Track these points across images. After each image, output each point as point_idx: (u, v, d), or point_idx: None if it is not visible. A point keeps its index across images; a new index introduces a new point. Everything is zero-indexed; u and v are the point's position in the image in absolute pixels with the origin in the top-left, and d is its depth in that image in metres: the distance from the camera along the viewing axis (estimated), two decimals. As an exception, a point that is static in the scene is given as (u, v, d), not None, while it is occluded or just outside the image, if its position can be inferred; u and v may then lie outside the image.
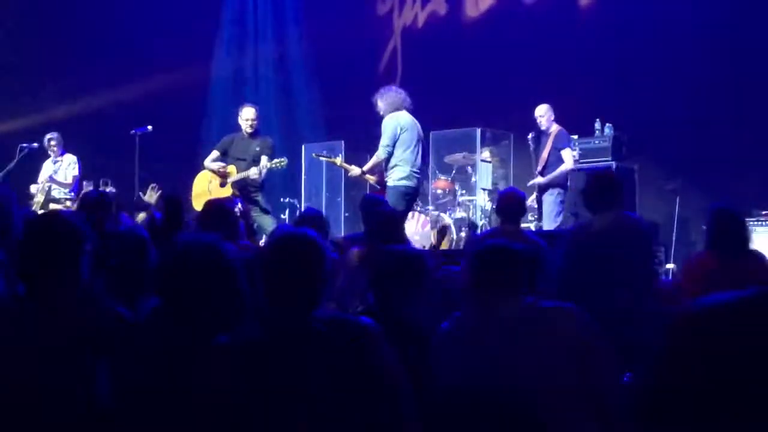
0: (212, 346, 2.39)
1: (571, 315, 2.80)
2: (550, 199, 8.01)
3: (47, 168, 9.11)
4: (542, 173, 8.18)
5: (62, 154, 9.13)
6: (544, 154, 8.19)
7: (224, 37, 12.15)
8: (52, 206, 8.65)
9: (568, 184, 8.10)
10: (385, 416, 2.37)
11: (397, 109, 7.17)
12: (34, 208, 8.48)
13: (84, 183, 8.74)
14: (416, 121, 7.25)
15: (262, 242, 5.90)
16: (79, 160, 9.17)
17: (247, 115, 7.87)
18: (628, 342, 3.28)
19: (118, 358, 2.51)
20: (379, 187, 7.35)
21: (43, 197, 8.80)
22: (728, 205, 4.56)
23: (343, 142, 9.94)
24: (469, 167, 9.47)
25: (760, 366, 1.40)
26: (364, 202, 5.72)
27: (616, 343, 2.87)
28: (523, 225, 6.12)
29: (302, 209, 7.76)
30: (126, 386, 2.47)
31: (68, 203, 8.71)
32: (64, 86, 11.13)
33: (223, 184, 7.85)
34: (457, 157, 9.43)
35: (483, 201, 9.15)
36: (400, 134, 7.06)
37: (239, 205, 5.15)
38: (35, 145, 8.99)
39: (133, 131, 8.58)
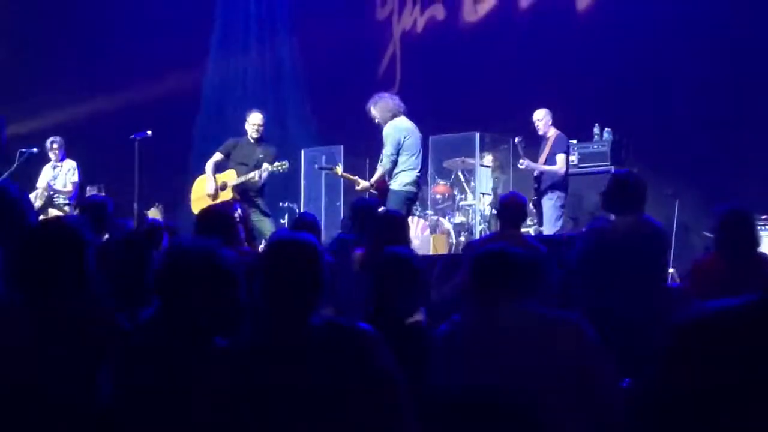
0: (211, 351, 2.38)
1: (573, 326, 2.78)
2: (550, 203, 8.01)
3: (46, 173, 9.11)
4: (539, 178, 8.18)
5: (62, 159, 9.13)
6: (542, 157, 8.20)
7: (223, 42, 12.16)
8: (52, 212, 8.66)
9: (568, 188, 8.10)
10: (384, 422, 2.37)
11: (395, 115, 7.16)
12: (33, 213, 8.47)
13: (88, 188, 8.76)
14: (415, 125, 7.26)
15: (261, 247, 5.89)
16: (78, 165, 9.17)
17: (254, 120, 7.89)
18: (639, 345, 3.26)
19: (118, 364, 2.50)
20: (376, 192, 7.34)
21: (41, 203, 8.79)
22: (738, 205, 4.45)
23: (342, 147, 9.95)
24: (466, 171, 9.48)
25: (762, 371, 1.40)
26: (361, 206, 5.70)
27: (628, 346, 2.86)
28: (522, 230, 6.12)
29: (302, 213, 7.74)
30: (125, 391, 2.46)
31: (67, 209, 8.72)
32: (64, 91, 11.13)
33: (223, 188, 7.86)
34: (456, 162, 9.44)
35: (482, 205, 9.15)
36: (404, 141, 7.06)
37: (239, 210, 5.14)
38: (35, 150, 8.99)
39: (133, 136, 8.58)
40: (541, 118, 8.19)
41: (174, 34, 11.46)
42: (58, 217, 3.10)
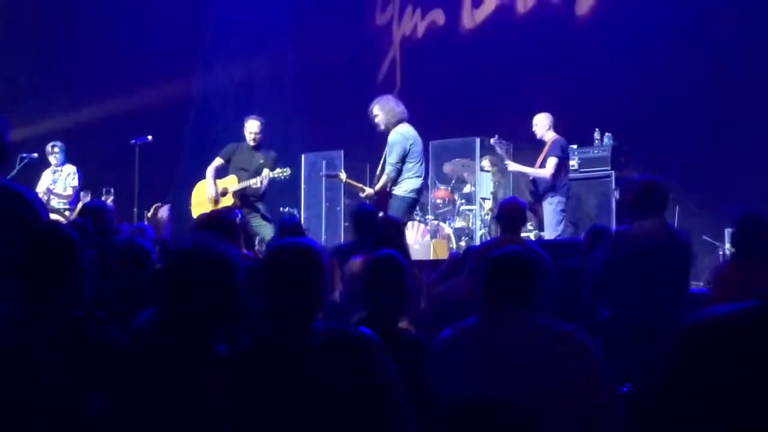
0: (213, 354, 2.38)
1: (575, 339, 2.77)
2: (550, 208, 7.99)
3: (46, 177, 9.11)
4: (535, 182, 8.17)
5: (62, 164, 9.13)
6: (539, 161, 8.20)
7: (225, 47, 12.16)
8: (52, 216, 8.64)
9: (569, 192, 8.09)
10: (384, 427, 2.36)
11: (399, 121, 7.18)
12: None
13: (82, 194, 8.74)
14: (416, 132, 7.28)
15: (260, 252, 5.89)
16: (78, 170, 9.17)
17: (251, 128, 7.88)
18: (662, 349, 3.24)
19: (114, 375, 2.48)
20: (376, 197, 7.33)
21: (41, 207, 8.78)
22: (756, 209, 4.45)
23: (342, 152, 9.95)
24: (466, 174, 9.49)
25: (763, 375, 1.40)
26: (362, 212, 5.71)
27: (651, 349, 2.84)
28: (522, 234, 6.11)
29: (284, 218, 7.64)
30: (123, 398, 2.45)
31: (67, 213, 8.71)
32: (64, 96, 11.14)
33: (224, 193, 7.85)
34: (457, 165, 9.44)
35: (482, 210, 9.15)
36: (410, 149, 7.10)
37: (239, 217, 5.15)
38: (35, 155, 9.00)
39: (133, 141, 8.59)
40: (538, 122, 8.18)
41: (175, 39, 11.47)
42: (50, 222, 3.07)
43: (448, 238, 9.06)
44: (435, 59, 10.97)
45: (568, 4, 10.07)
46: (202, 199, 7.96)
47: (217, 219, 4.56)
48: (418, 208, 8.24)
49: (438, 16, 11.23)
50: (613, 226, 7.43)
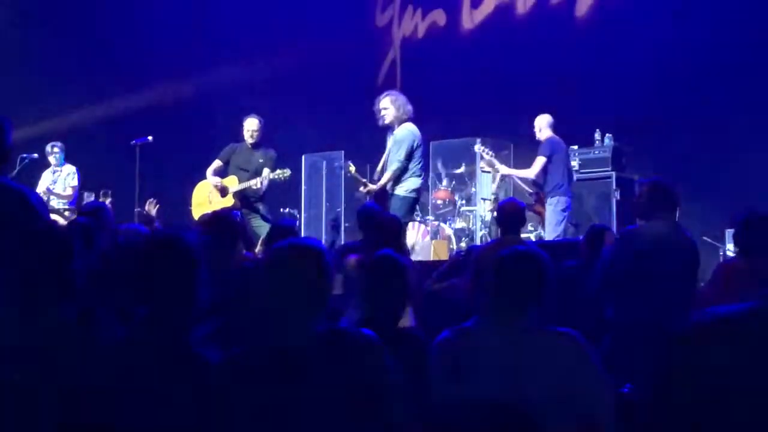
0: (212, 362, 2.37)
1: (574, 342, 2.77)
2: (551, 208, 7.98)
3: (46, 178, 9.11)
4: (536, 181, 8.16)
5: (62, 164, 9.13)
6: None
7: (225, 48, 12.16)
8: (51, 216, 8.64)
9: (570, 193, 8.07)
10: (386, 428, 2.36)
11: (408, 119, 7.20)
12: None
13: (85, 194, 8.75)
14: None
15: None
16: (78, 170, 9.17)
17: (249, 126, 7.90)
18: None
19: (98, 382, 2.45)
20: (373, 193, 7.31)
21: (41, 208, 8.78)
22: (757, 209, 4.46)
23: (342, 152, 9.94)
24: (466, 177, 9.49)
25: (762, 377, 1.40)
26: (365, 210, 5.71)
27: (656, 350, 2.83)
28: (522, 235, 6.11)
29: (278, 221, 7.65)
30: (120, 405, 2.43)
31: (67, 213, 8.71)
32: (65, 97, 11.14)
33: (224, 194, 7.86)
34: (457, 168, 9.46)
35: (483, 211, 9.14)
36: (415, 147, 7.11)
37: (239, 218, 5.14)
38: (35, 155, 9.01)
39: (133, 141, 8.59)
40: (536, 124, 8.18)
41: (175, 39, 11.47)
42: (46, 222, 3.06)
43: (449, 238, 9.06)
44: (435, 60, 10.96)
45: (567, 4, 10.07)
46: (203, 199, 7.97)
47: (219, 219, 4.55)
48: (418, 208, 8.25)
49: (439, 17, 11.22)
50: (614, 226, 7.43)
